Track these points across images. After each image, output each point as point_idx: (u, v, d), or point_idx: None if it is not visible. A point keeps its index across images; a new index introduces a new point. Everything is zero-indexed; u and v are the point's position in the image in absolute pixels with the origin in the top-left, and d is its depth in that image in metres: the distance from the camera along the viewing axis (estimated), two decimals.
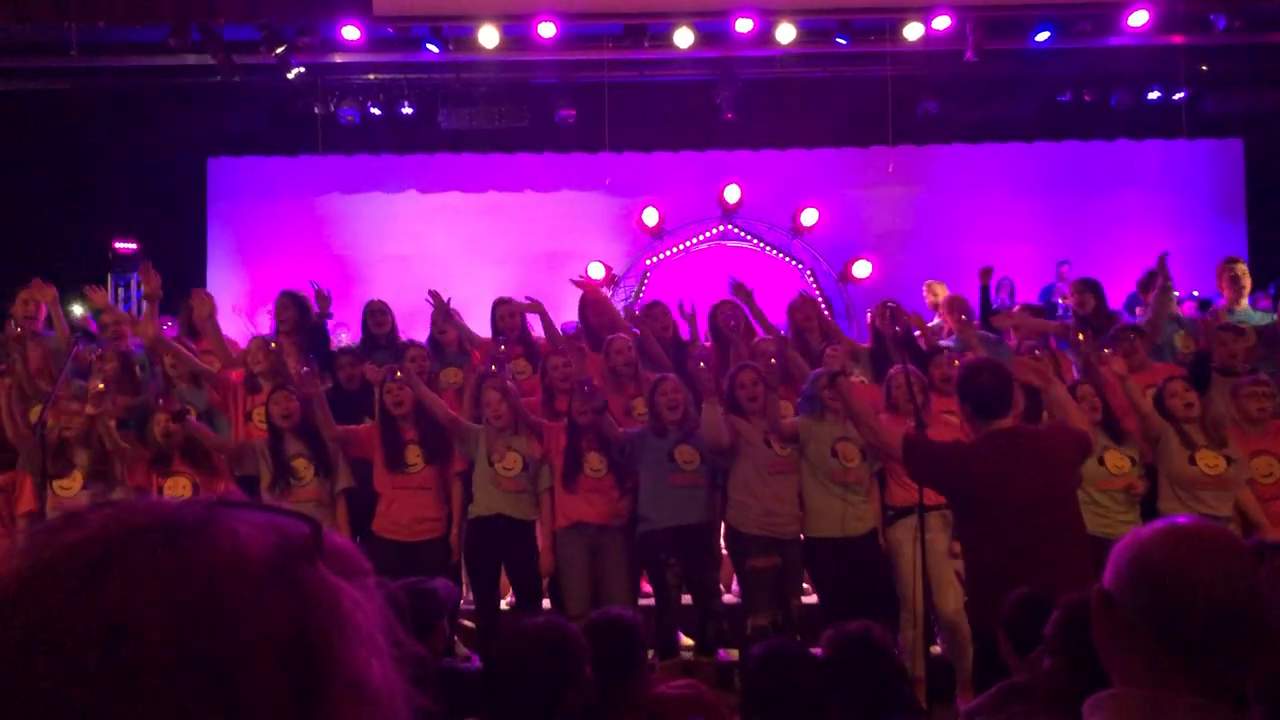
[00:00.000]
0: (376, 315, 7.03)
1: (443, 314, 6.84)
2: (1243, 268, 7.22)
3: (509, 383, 5.93)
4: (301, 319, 6.81)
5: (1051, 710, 2.59)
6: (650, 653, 5.29)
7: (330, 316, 7.06)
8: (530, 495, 5.87)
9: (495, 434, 5.82)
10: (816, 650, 3.23)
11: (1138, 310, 7.72)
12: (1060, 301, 8.33)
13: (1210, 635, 1.35)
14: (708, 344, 6.81)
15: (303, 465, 5.88)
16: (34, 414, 6.04)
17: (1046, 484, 4.13)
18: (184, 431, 5.77)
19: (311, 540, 0.59)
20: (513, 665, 2.47)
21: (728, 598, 6.12)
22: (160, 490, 5.68)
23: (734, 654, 5.88)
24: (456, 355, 6.88)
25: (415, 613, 3.41)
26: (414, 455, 5.88)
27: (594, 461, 5.78)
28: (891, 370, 5.96)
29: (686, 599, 5.85)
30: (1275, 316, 7.24)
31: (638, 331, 6.69)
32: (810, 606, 5.94)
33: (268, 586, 0.55)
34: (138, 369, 6.61)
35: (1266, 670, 1.36)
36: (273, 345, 6.39)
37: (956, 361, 6.20)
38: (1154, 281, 7.04)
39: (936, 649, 5.96)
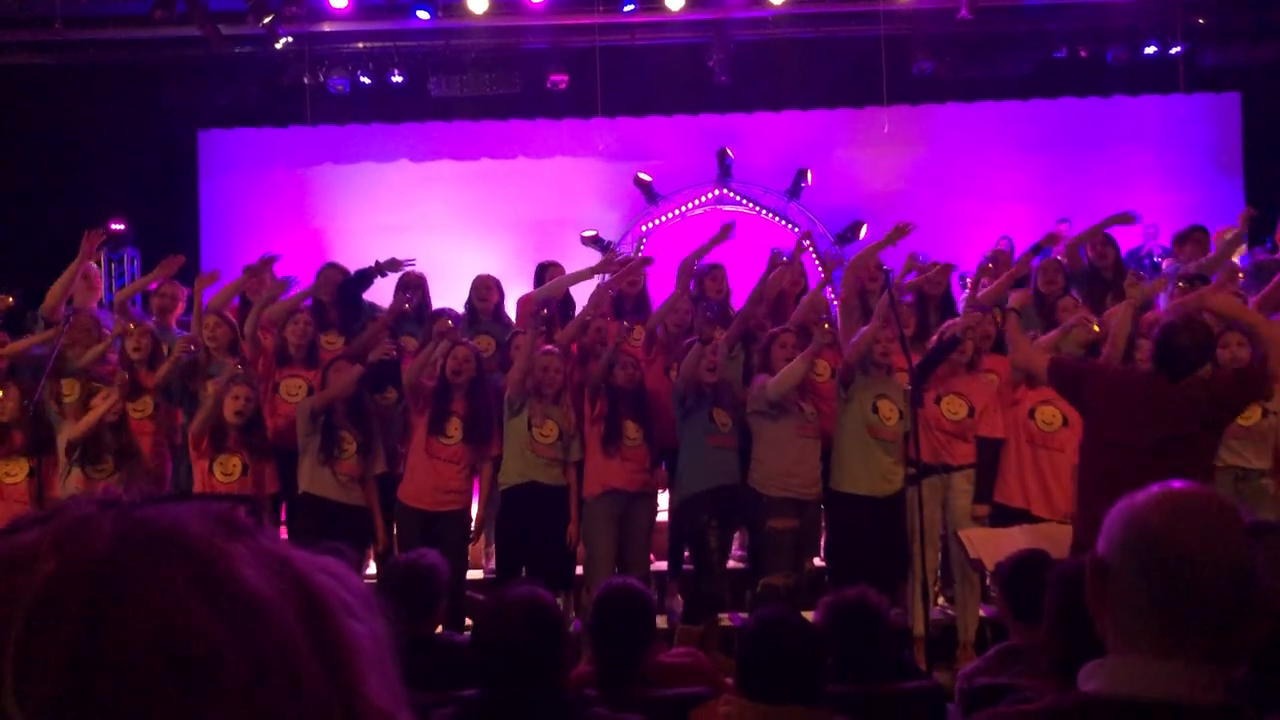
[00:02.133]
0: (410, 289, 6.98)
1: (391, 269, 6.82)
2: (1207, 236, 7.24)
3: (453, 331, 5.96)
4: (342, 289, 6.82)
5: (1048, 674, 2.60)
6: (663, 620, 5.36)
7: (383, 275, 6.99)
8: (561, 465, 5.91)
9: (537, 400, 5.83)
10: (814, 614, 3.24)
11: (1163, 265, 7.71)
12: (1063, 259, 8.19)
13: (1204, 601, 1.34)
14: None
15: (348, 439, 5.84)
16: (70, 389, 6.06)
17: (1180, 429, 4.10)
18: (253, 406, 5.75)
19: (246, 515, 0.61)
20: (494, 637, 2.47)
21: (731, 563, 6.18)
22: (211, 466, 5.65)
23: (741, 617, 5.94)
24: (490, 323, 6.84)
25: (413, 588, 3.41)
26: (454, 428, 5.88)
27: (630, 430, 5.83)
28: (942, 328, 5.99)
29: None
30: None
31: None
32: (821, 569, 6.00)
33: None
34: (164, 349, 6.57)
35: (1256, 636, 1.35)
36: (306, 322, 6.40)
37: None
38: (1190, 235, 7.06)
39: (941, 602, 6.01)
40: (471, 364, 5.87)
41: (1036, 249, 6.88)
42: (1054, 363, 4.55)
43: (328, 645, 0.58)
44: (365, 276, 6.92)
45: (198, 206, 10.88)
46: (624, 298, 6.81)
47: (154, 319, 6.89)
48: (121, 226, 9.58)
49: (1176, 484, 1.41)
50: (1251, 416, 5.39)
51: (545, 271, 7.00)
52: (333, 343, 6.60)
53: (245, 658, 0.55)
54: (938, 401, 5.75)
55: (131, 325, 6.40)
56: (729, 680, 3.25)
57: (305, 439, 5.79)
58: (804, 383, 5.82)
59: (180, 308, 7.09)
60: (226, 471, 5.67)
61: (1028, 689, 2.57)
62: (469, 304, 6.87)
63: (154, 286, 7.13)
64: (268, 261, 6.77)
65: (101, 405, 5.74)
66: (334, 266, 7.01)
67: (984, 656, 3.32)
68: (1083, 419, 4.54)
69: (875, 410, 5.74)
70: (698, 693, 2.99)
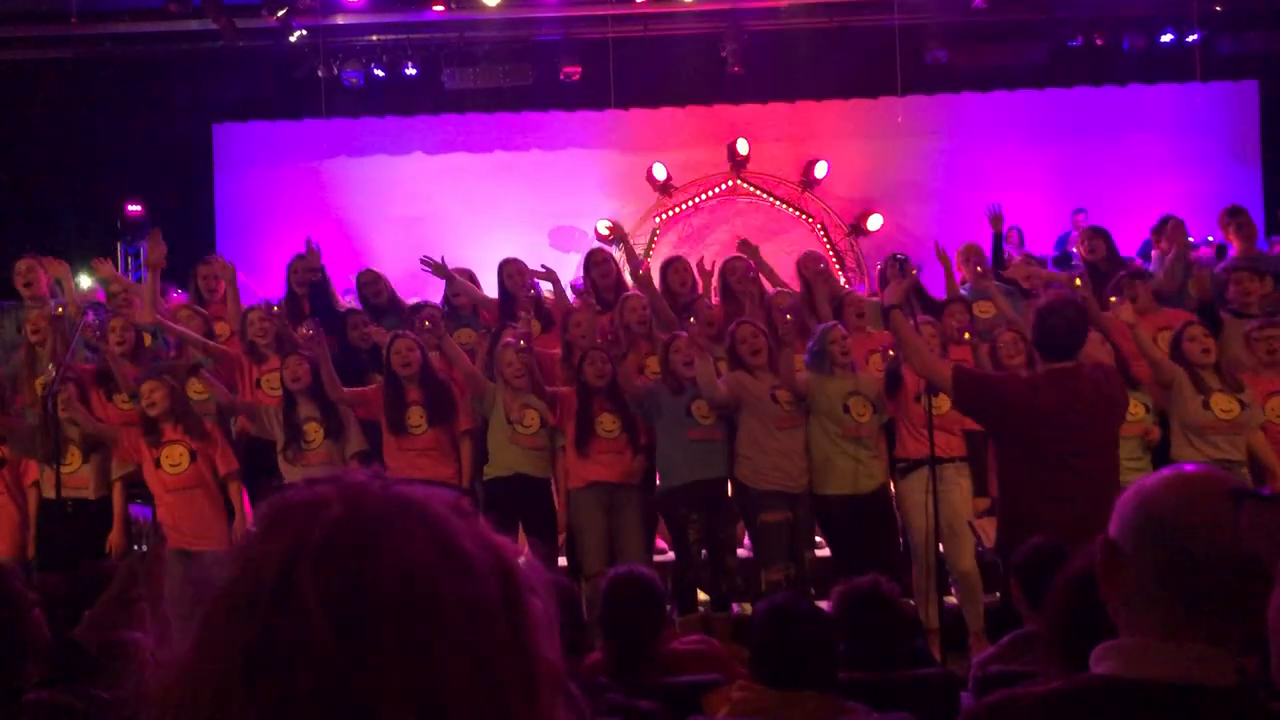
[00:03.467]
0: (370, 285, 7.03)
1: (441, 273, 6.84)
2: (1246, 217, 7.13)
3: (524, 344, 5.93)
4: (313, 281, 6.90)
5: (1061, 660, 2.60)
6: (668, 608, 5.36)
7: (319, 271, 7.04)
8: (548, 453, 5.92)
9: (513, 393, 5.84)
10: (826, 604, 3.24)
11: (1153, 254, 7.65)
12: (1075, 250, 8.22)
13: (1216, 583, 1.34)
14: (715, 301, 6.80)
15: (313, 429, 5.90)
16: (38, 385, 6.08)
17: (1095, 426, 4.13)
18: (193, 385, 5.81)
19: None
20: None
21: (740, 552, 6.16)
22: (158, 461, 5.71)
23: (747, 608, 5.93)
24: (471, 317, 6.87)
25: None
26: (416, 417, 5.89)
27: (607, 423, 5.80)
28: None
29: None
30: None
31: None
32: (823, 560, 5.97)
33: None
34: (149, 338, 6.63)
35: (1263, 617, 1.35)
36: (275, 309, 6.42)
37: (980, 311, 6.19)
38: (1166, 227, 6.97)
39: (952, 599, 5.99)
40: (415, 352, 5.87)
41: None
42: (957, 371, 4.38)
43: (516, 612, 0.73)
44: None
45: (213, 200, 10.92)
46: (600, 289, 6.79)
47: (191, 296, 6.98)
48: (139, 210, 9.57)
49: (1188, 467, 1.42)
50: (1232, 410, 5.44)
51: (504, 270, 6.89)
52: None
53: (463, 607, 0.70)
54: (918, 399, 5.67)
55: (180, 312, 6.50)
56: (741, 668, 3.26)
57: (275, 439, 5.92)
58: (786, 375, 5.75)
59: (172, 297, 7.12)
60: (174, 463, 5.70)
61: (1042, 675, 2.57)
62: (446, 300, 6.93)
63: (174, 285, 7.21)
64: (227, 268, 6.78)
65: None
66: (303, 258, 7.01)
67: (998, 644, 3.32)
68: (992, 431, 4.53)
69: (847, 410, 5.68)
70: (711, 679, 3.00)
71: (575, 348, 6.15)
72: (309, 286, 6.97)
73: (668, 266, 6.86)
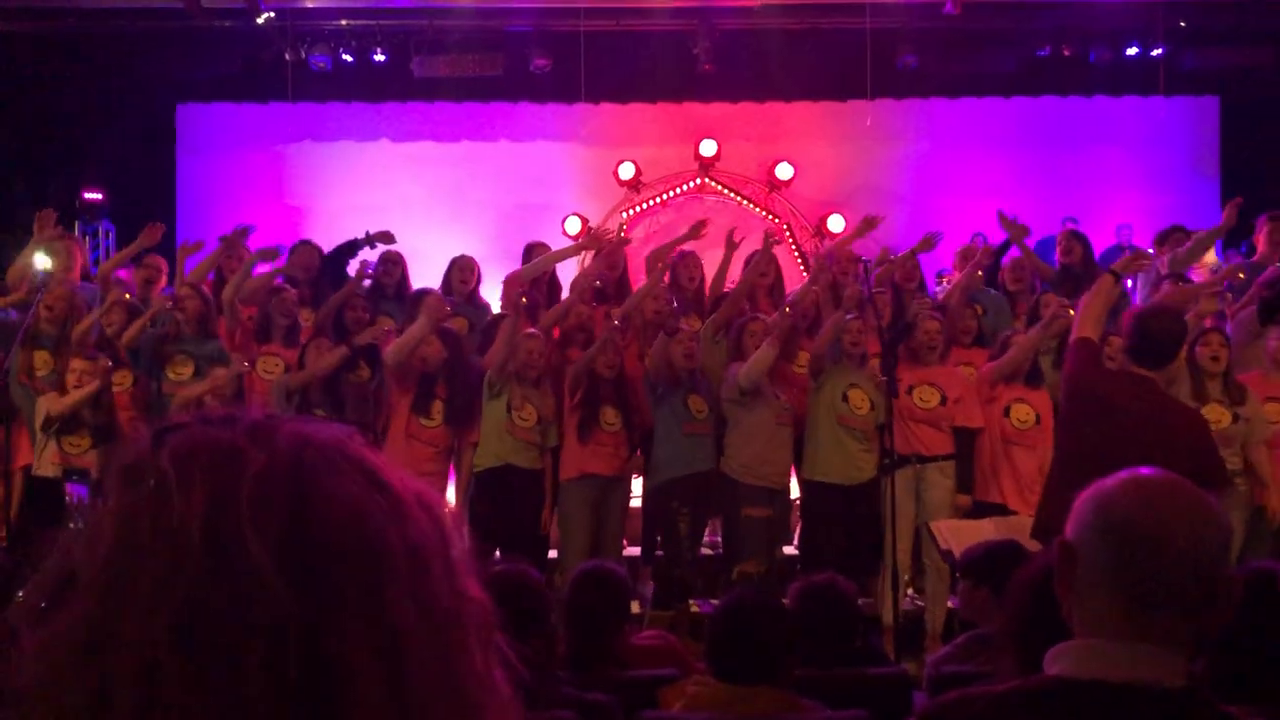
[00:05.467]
0: (389, 265, 6.95)
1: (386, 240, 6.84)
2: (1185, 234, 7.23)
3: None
4: (323, 264, 6.86)
5: (1017, 660, 2.62)
6: (636, 605, 5.37)
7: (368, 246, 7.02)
8: (538, 449, 5.89)
9: (519, 383, 5.82)
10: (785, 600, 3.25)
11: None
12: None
13: (1170, 584, 1.36)
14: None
15: (320, 417, 5.83)
16: (43, 362, 6.01)
17: (1151, 450, 4.03)
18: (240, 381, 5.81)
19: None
20: None
21: (704, 550, 6.21)
22: None
23: (712, 604, 5.96)
24: (465, 305, 6.81)
25: None
26: (436, 410, 5.88)
27: (609, 415, 5.83)
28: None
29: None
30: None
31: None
32: (792, 557, 6.04)
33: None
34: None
35: (1217, 620, 1.37)
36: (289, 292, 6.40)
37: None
38: (1170, 235, 7.09)
39: (914, 599, 6.05)
40: (436, 346, 5.83)
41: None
42: (1084, 338, 4.20)
43: (447, 551, 0.69)
44: (352, 247, 6.91)
45: (175, 181, 10.76)
46: (604, 282, 6.81)
47: (137, 291, 6.83)
48: (99, 197, 9.48)
49: (1144, 470, 1.43)
50: (1223, 421, 5.48)
51: (532, 252, 6.99)
52: (308, 320, 6.58)
53: (406, 549, 0.66)
54: (909, 391, 5.78)
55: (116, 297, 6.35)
56: (699, 664, 3.27)
57: None
58: (780, 372, 5.85)
59: (164, 280, 7.04)
60: None
61: (997, 676, 2.59)
62: (446, 285, 6.84)
63: (133, 263, 7.09)
64: (242, 233, 6.74)
65: (82, 392, 5.69)
66: (308, 244, 6.99)
67: (953, 643, 3.35)
68: (1068, 408, 4.47)
69: (845, 399, 5.79)
70: (668, 674, 3.00)
71: (570, 339, 6.18)
72: (313, 272, 6.87)
73: (679, 261, 6.85)
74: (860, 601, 3.68)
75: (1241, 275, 6.49)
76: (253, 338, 6.33)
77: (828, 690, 2.89)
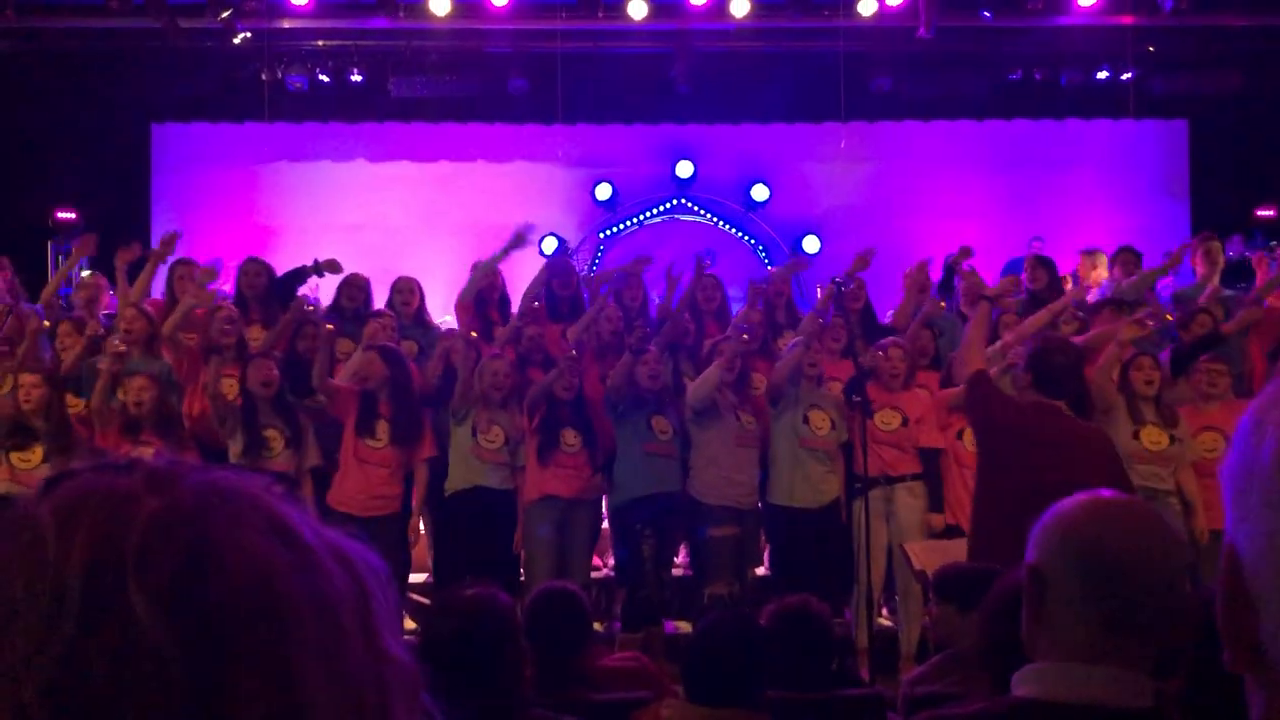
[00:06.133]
0: (352, 289, 6.93)
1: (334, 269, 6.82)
2: (1218, 245, 7.37)
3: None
4: (269, 286, 6.78)
5: (991, 681, 2.63)
6: (601, 625, 5.36)
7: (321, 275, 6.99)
8: (509, 469, 5.88)
9: (485, 406, 5.81)
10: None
11: (1104, 283, 7.86)
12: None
13: (1140, 605, 1.37)
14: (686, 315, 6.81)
15: (274, 436, 5.80)
16: (7, 384, 5.94)
17: (1072, 476, 4.11)
18: (158, 397, 5.68)
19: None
20: (444, 637, 2.46)
21: (676, 571, 6.20)
22: None
23: (682, 625, 5.95)
24: (411, 327, 6.81)
25: None
26: (382, 430, 5.84)
27: (569, 437, 5.82)
28: (881, 342, 6.08)
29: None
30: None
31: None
32: (764, 578, 6.03)
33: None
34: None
35: (1181, 640, 1.39)
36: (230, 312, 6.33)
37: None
38: (1119, 257, 7.22)
39: (885, 620, 6.06)
40: (379, 364, 5.81)
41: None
42: (979, 373, 4.36)
43: (363, 607, 0.64)
44: (299, 275, 6.87)
45: (149, 201, 10.71)
46: (558, 300, 6.80)
47: (80, 311, 6.77)
48: (72, 216, 9.42)
49: (1105, 492, 1.45)
50: (1161, 443, 5.63)
51: (475, 269, 6.93)
52: (256, 338, 6.54)
53: (314, 605, 0.60)
54: (871, 415, 5.79)
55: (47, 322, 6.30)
56: (674, 686, 3.26)
57: (229, 440, 5.76)
58: (744, 393, 5.86)
59: (105, 297, 6.98)
60: None
61: (970, 696, 2.60)
62: (390, 308, 6.84)
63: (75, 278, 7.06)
64: (172, 237, 6.71)
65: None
66: (255, 261, 6.95)
67: (928, 663, 3.36)
68: (981, 442, 4.52)
69: (806, 421, 5.79)
70: (640, 697, 2.99)
71: (528, 361, 6.18)
72: (262, 291, 6.84)
73: (623, 282, 6.87)
74: (834, 621, 3.69)
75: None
76: (201, 361, 6.28)
77: (801, 712, 2.89)
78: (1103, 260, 8.34)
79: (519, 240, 6.85)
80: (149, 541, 0.58)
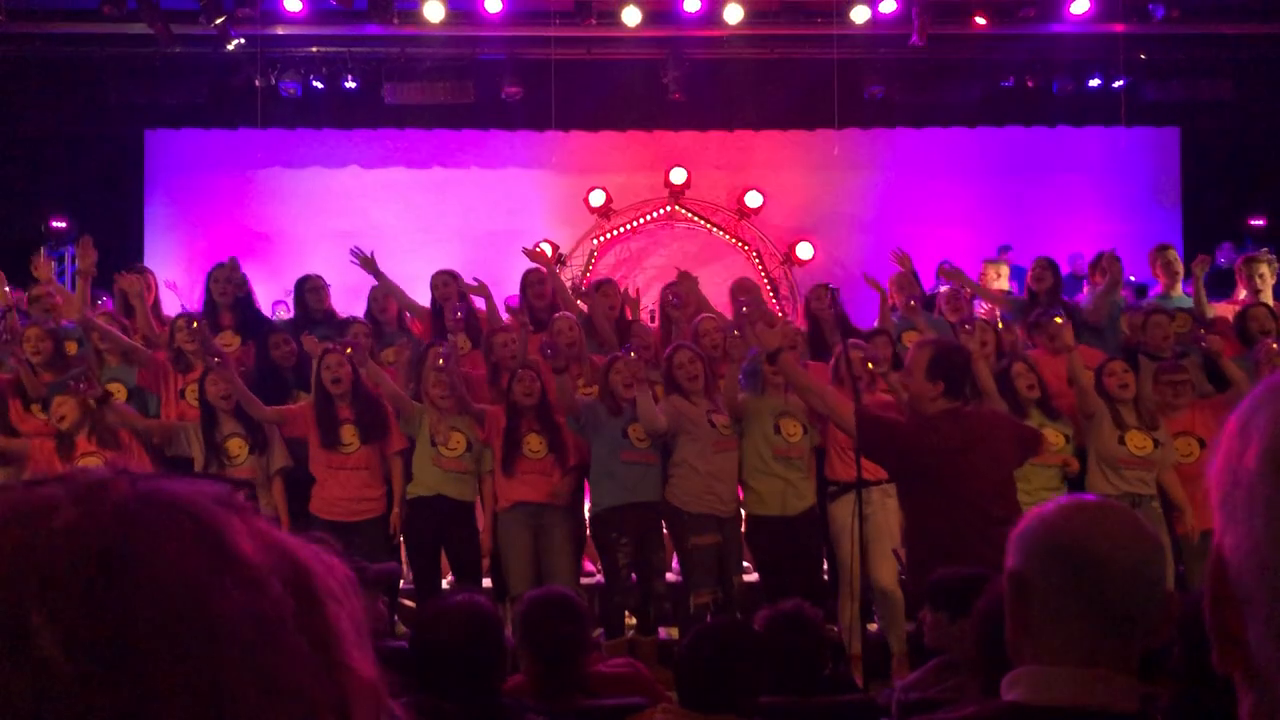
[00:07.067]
0: (315, 291, 6.93)
1: (370, 267, 6.78)
2: (1174, 254, 7.39)
3: (450, 362, 5.88)
4: (238, 294, 6.75)
5: (985, 686, 2.64)
6: (597, 632, 5.35)
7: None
8: (472, 477, 5.88)
9: (439, 414, 5.79)
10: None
11: (1085, 288, 7.86)
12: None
13: (1121, 606, 1.38)
14: (654, 324, 6.84)
15: (237, 445, 5.80)
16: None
17: (997, 466, 4.21)
18: (105, 414, 5.67)
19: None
20: (433, 645, 2.46)
21: (669, 576, 6.17)
22: None
23: (674, 632, 5.94)
24: (395, 334, 6.81)
25: None
26: (349, 434, 5.82)
27: (533, 443, 5.79)
28: (837, 349, 6.02)
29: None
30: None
31: (584, 309, 6.71)
32: (751, 584, 6.01)
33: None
34: (75, 346, 6.46)
35: (1163, 642, 1.40)
36: (195, 324, 6.25)
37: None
38: (1099, 264, 7.17)
39: (874, 626, 6.05)
40: (345, 367, 5.81)
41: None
42: (860, 412, 4.27)
43: (314, 622, 0.60)
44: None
45: (143, 207, 10.71)
46: (534, 310, 6.79)
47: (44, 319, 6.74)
48: (64, 224, 9.42)
49: (1087, 496, 1.46)
50: (1145, 447, 5.67)
51: (526, 279, 6.93)
52: (228, 344, 6.51)
53: (249, 624, 0.57)
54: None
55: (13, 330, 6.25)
56: (667, 692, 3.26)
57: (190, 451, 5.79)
58: (716, 398, 5.81)
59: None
60: None
61: (963, 701, 2.61)
62: (369, 316, 6.83)
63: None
64: (88, 241, 6.66)
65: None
66: (224, 267, 6.91)
67: (922, 669, 3.36)
68: (896, 474, 4.52)
69: (778, 430, 5.75)
70: (635, 702, 2.99)
71: (503, 367, 6.14)
72: (232, 298, 6.82)
73: (598, 288, 6.90)
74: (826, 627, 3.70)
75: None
76: (175, 372, 6.26)
77: (795, 718, 2.90)
78: (1005, 270, 8.39)
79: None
80: (55, 557, 0.54)
